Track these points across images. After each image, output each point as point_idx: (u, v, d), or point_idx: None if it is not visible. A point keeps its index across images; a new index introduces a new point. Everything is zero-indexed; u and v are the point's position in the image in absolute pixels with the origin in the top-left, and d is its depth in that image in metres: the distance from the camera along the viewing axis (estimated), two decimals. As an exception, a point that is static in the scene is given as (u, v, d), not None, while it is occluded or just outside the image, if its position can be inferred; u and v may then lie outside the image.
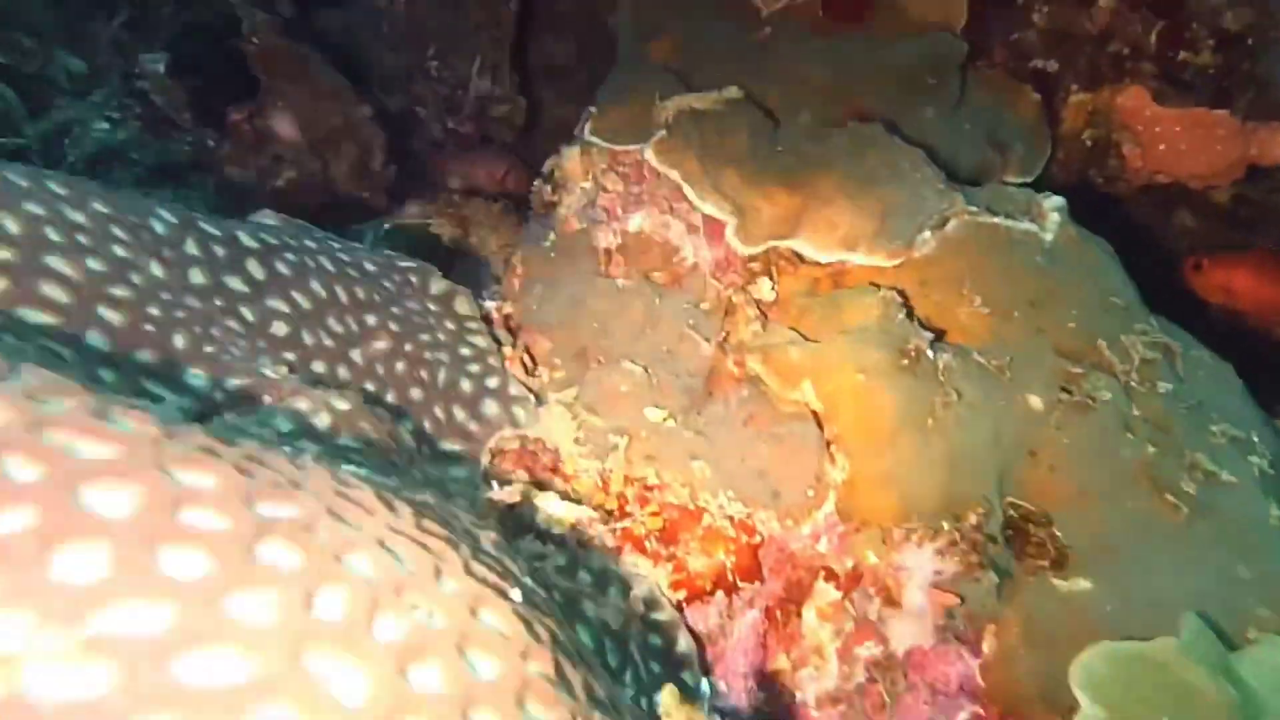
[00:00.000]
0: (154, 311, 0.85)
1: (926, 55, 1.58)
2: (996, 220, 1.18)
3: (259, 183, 2.34)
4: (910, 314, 1.10)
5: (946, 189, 1.22)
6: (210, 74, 2.33)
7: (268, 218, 1.17)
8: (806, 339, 1.10)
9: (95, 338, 0.81)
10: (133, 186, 2.31)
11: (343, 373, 0.95)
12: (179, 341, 0.83)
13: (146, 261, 0.89)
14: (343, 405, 0.82)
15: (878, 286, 1.14)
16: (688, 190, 1.35)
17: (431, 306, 1.08)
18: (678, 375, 1.15)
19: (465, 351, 1.09)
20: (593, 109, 1.52)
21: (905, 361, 1.00)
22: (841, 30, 1.64)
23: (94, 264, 0.85)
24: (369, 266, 1.06)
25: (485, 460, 1.03)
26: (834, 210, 1.22)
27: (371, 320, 0.99)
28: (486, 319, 1.23)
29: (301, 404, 0.81)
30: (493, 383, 1.09)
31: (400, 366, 0.99)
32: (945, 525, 0.91)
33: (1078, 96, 1.80)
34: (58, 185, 0.92)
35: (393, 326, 1.01)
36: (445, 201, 2.01)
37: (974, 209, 1.18)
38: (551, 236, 1.42)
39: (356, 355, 0.96)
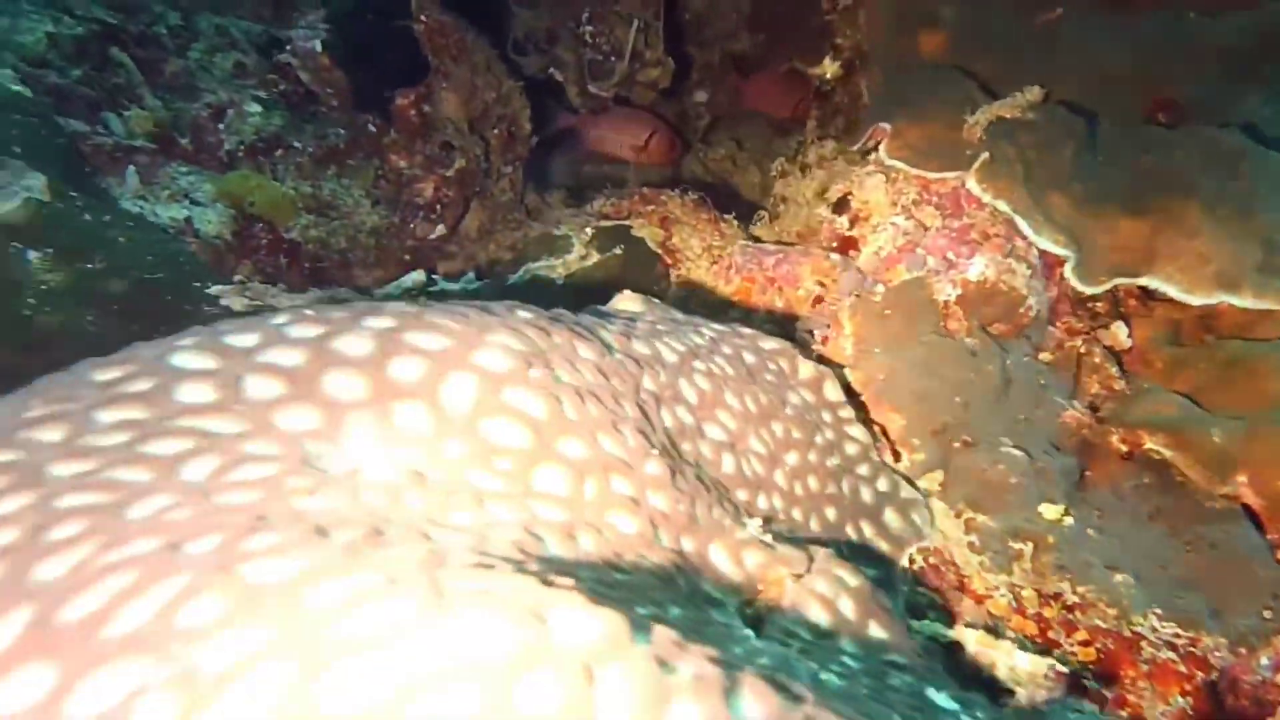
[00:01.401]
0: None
1: (1260, 31, 1.40)
2: None
3: (426, 169, 2.24)
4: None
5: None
6: (370, 54, 2.20)
7: (628, 301, 1.09)
8: (1199, 405, 1.04)
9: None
10: (294, 175, 2.22)
11: (768, 503, 0.87)
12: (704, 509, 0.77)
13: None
14: (854, 581, 0.74)
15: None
16: (1022, 224, 1.26)
17: (807, 396, 1.01)
18: (1045, 451, 1.10)
19: (851, 450, 1.01)
20: (884, 125, 1.41)
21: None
22: (1143, 5, 1.49)
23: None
24: (748, 357, 0.99)
25: (905, 588, 0.98)
26: (1202, 241, 1.13)
27: (779, 430, 0.92)
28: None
29: (811, 609, 0.71)
30: (884, 485, 1.02)
31: (812, 482, 0.92)
32: None
33: None
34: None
35: (795, 434, 0.93)
36: (640, 198, 1.91)
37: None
38: (880, 288, 1.34)
39: (780, 477, 0.89)
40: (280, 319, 0.84)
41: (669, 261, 1.73)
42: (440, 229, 2.30)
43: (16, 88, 2.29)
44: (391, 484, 0.66)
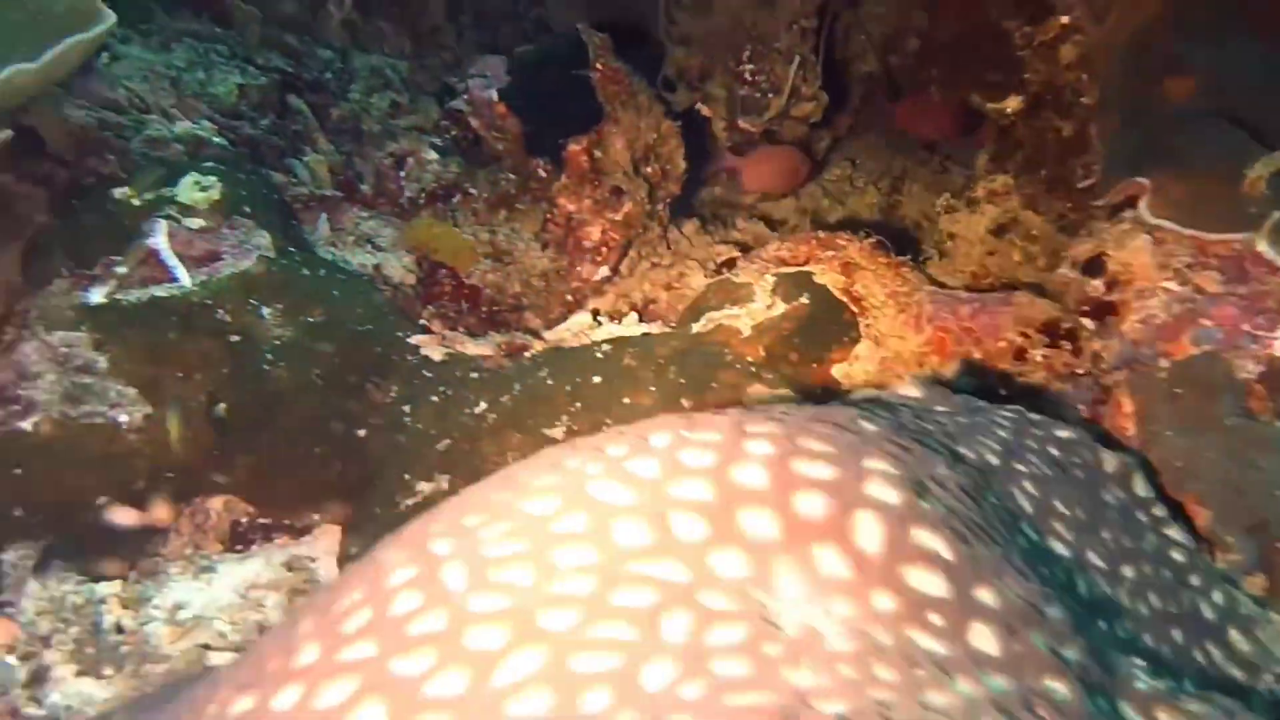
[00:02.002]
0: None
1: None
2: None
3: (594, 214, 2.33)
4: None
5: None
6: (545, 102, 2.31)
7: (910, 387, 1.07)
8: None
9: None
10: (471, 221, 2.36)
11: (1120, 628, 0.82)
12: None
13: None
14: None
15: None
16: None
17: (1119, 493, 0.95)
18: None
19: (1178, 556, 0.94)
20: (1140, 180, 1.35)
21: None
22: None
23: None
24: (1052, 450, 0.94)
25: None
26: None
27: (1109, 538, 0.86)
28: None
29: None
30: (1219, 598, 0.95)
31: (1154, 599, 0.86)
32: None
33: None
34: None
35: (1126, 542, 0.88)
36: (818, 242, 1.92)
37: None
38: (1163, 362, 1.27)
39: (1124, 596, 0.84)
40: (661, 440, 0.80)
41: (854, 310, 1.74)
42: (604, 270, 2.38)
43: (218, 139, 2.53)
44: (856, 653, 0.61)
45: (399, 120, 3.48)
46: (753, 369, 1.64)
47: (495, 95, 2.36)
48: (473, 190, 2.38)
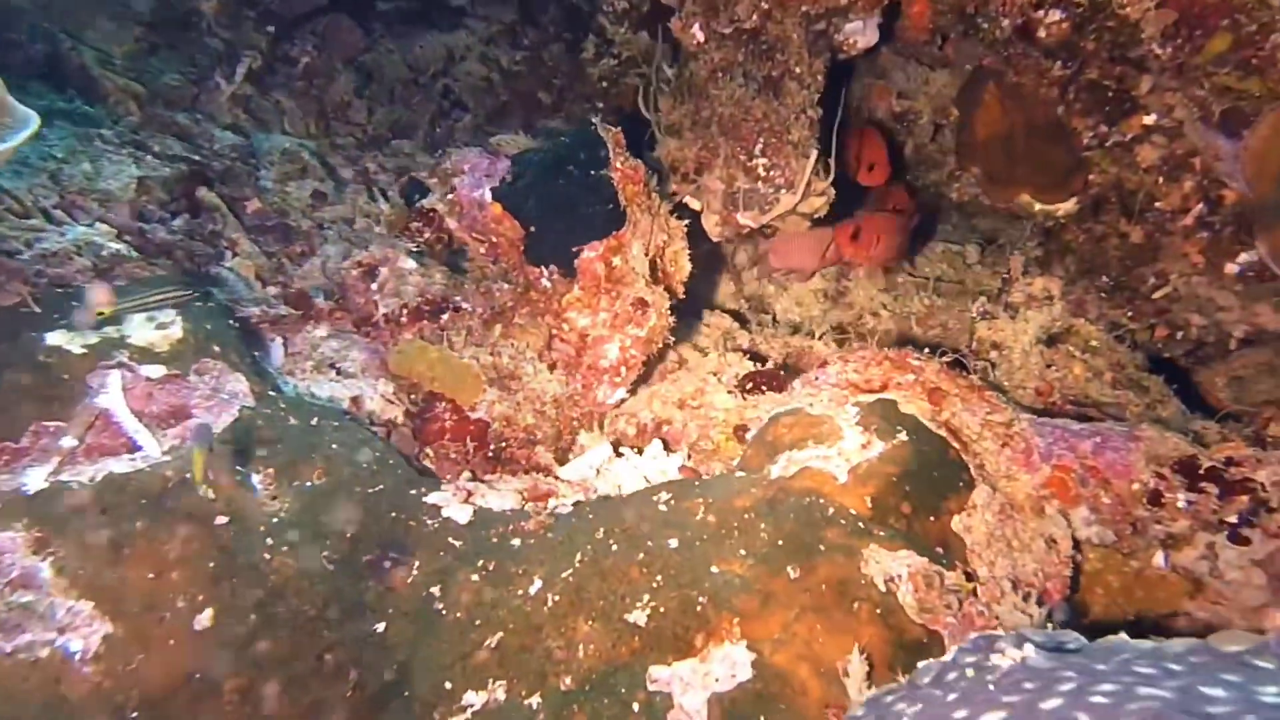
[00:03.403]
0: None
1: None
2: None
3: (612, 329, 2.16)
4: None
5: None
6: (539, 204, 2.15)
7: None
8: None
9: None
10: (466, 341, 2.13)
11: None
12: None
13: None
14: None
15: None
16: None
17: None
18: None
19: None
20: None
21: None
22: None
23: None
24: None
25: None
26: None
27: None
28: None
29: None
30: None
31: None
32: None
33: None
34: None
35: None
36: (891, 362, 1.82)
37: None
38: None
39: None
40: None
41: (957, 447, 1.63)
42: (621, 393, 2.21)
43: (116, 246, 2.22)
44: None
45: (322, 212, 3.24)
46: (860, 525, 1.49)
47: (489, 196, 2.19)
48: (464, 305, 2.17)
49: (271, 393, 1.64)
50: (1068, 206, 2.07)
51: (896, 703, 0.85)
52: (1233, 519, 1.44)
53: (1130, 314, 2.05)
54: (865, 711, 0.87)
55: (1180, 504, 1.48)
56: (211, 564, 1.32)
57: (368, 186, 3.41)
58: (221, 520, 1.35)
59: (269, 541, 1.37)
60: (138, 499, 1.29)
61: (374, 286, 2.20)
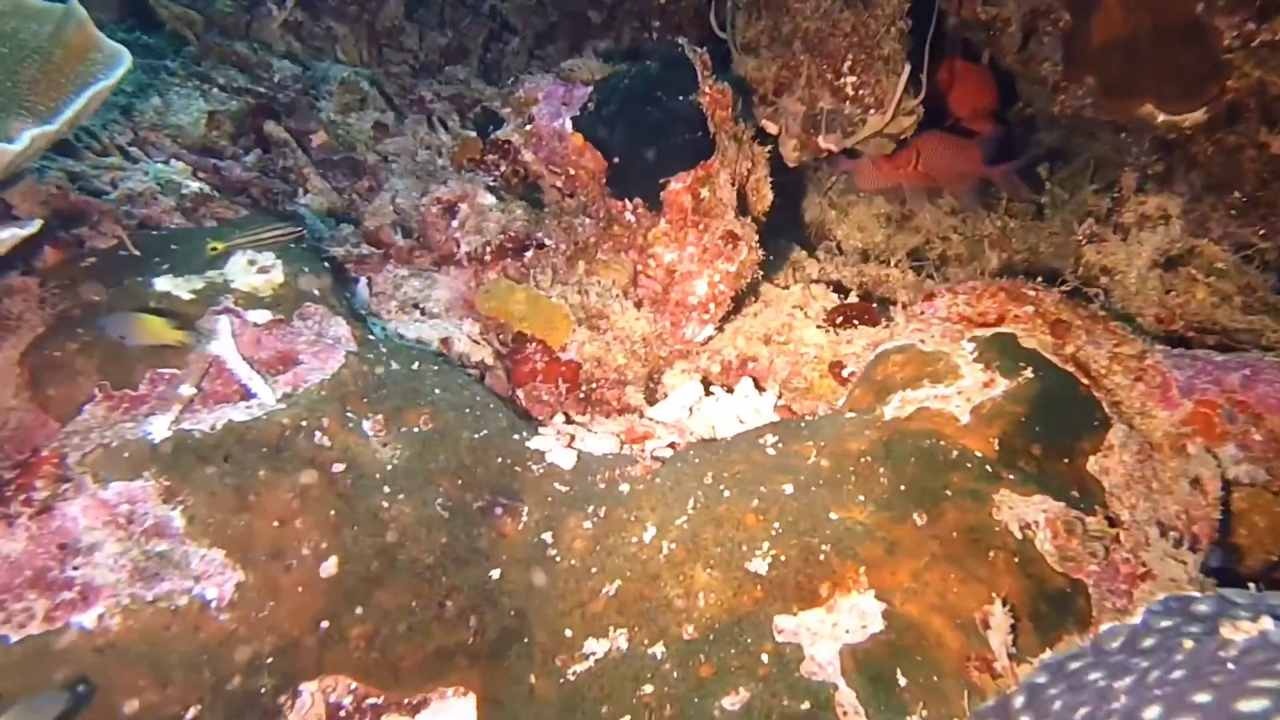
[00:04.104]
0: None
1: None
2: None
3: (701, 264, 2.09)
4: None
5: None
6: (635, 135, 2.07)
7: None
8: None
9: None
10: (552, 279, 2.08)
11: None
12: None
13: None
14: None
15: None
16: None
17: None
18: None
19: None
20: None
21: None
22: None
23: None
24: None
25: None
26: None
27: None
28: None
29: None
30: None
31: None
32: None
33: None
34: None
35: None
36: (1005, 293, 1.73)
37: None
38: None
39: None
40: None
41: (1086, 383, 1.56)
42: (709, 330, 2.16)
43: (196, 185, 2.20)
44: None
45: (385, 144, 3.18)
46: (988, 468, 1.44)
47: (569, 126, 2.11)
48: (547, 242, 2.12)
49: (371, 337, 1.63)
50: (1196, 116, 1.92)
51: (1087, 670, 0.81)
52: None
53: (1263, 232, 1.91)
54: (1049, 679, 0.83)
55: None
56: (333, 512, 1.32)
57: (426, 117, 3.33)
58: (339, 468, 1.35)
59: (385, 489, 1.37)
60: (258, 447, 1.30)
61: (454, 224, 2.16)
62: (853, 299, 2.36)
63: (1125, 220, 2.22)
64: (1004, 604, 1.24)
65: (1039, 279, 1.84)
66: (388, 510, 1.36)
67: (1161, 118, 1.97)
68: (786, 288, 2.46)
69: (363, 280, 2.09)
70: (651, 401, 2.07)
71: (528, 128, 2.18)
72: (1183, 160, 2.04)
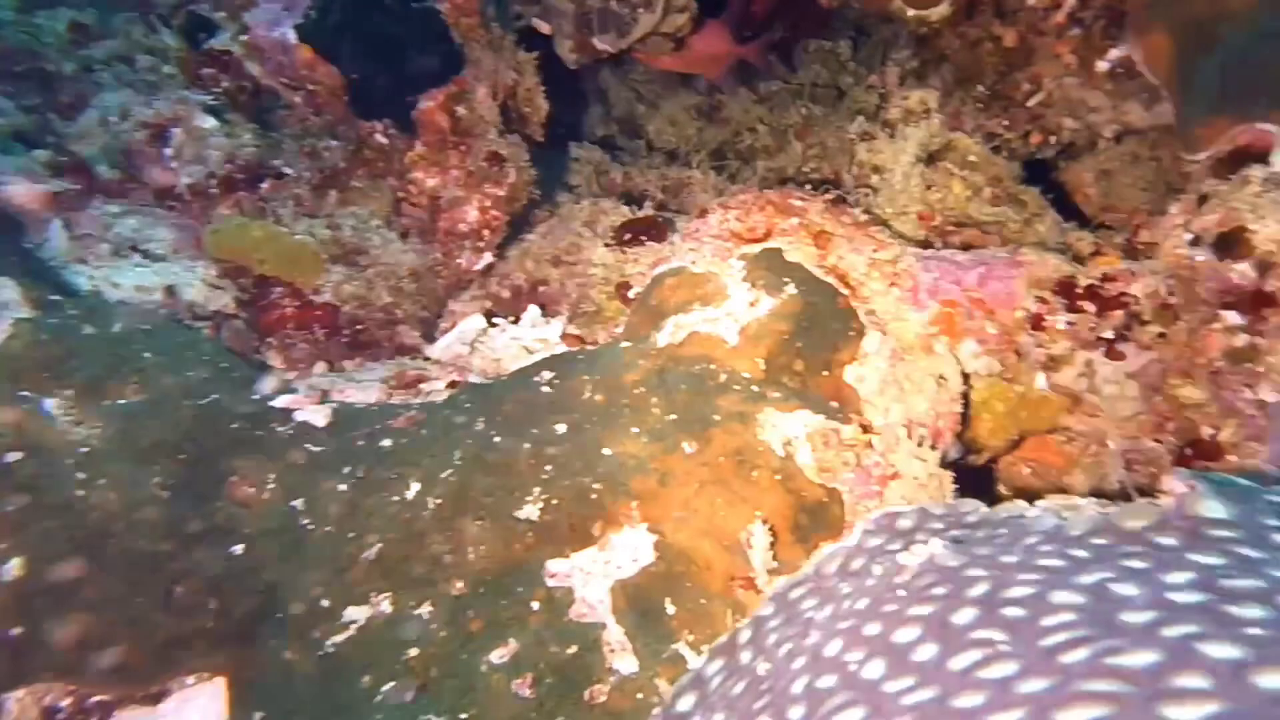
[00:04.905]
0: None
1: None
2: None
3: (468, 188, 1.96)
4: None
5: None
6: (371, 47, 1.87)
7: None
8: None
9: None
10: (295, 213, 1.86)
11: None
12: None
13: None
14: None
15: None
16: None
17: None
18: None
19: None
20: (1263, 126, 1.27)
21: None
22: None
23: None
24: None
25: None
26: None
27: None
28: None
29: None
30: None
31: None
32: None
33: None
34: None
35: None
36: (771, 205, 1.73)
37: None
38: None
39: None
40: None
41: (846, 293, 1.60)
42: (487, 258, 2.04)
43: None
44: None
45: (89, 50, 2.73)
46: (755, 389, 1.45)
47: (293, 36, 1.86)
48: (287, 170, 1.89)
49: (55, 297, 1.39)
50: (941, 10, 1.97)
51: (804, 599, 0.82)
52: (1109, 335, 1.49)
53: (1006, 123, 2.03)
54: (773, 610, 0.84)
55: (1060, 325, 1.53)
56: (10, 508, 1.13)
57: (141, 13, 2.85)
58: (14, 457, 1.15)
59: (80, 475, 1.19)
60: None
61: (168, 152, 1.88)
62: (647, 209, 2.31)
63: (891, 116, 2.28)
64: (763, 521, 1.26)
65: (826, 188, 1.86)
66: (85, 499, 1.19)
67: (911, 12, 2.01)
68: (580, 201, 2.36)
69: (56, 223, 1.79)
70: (432, 340, 1.95)
71: (243, 38, 1.92)
72: (934, 55, 2.11)
